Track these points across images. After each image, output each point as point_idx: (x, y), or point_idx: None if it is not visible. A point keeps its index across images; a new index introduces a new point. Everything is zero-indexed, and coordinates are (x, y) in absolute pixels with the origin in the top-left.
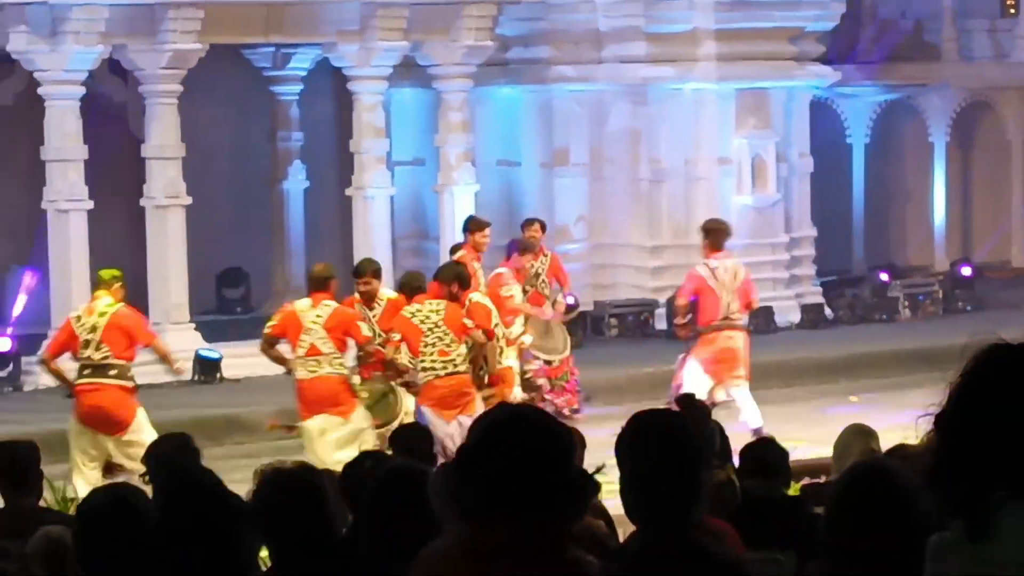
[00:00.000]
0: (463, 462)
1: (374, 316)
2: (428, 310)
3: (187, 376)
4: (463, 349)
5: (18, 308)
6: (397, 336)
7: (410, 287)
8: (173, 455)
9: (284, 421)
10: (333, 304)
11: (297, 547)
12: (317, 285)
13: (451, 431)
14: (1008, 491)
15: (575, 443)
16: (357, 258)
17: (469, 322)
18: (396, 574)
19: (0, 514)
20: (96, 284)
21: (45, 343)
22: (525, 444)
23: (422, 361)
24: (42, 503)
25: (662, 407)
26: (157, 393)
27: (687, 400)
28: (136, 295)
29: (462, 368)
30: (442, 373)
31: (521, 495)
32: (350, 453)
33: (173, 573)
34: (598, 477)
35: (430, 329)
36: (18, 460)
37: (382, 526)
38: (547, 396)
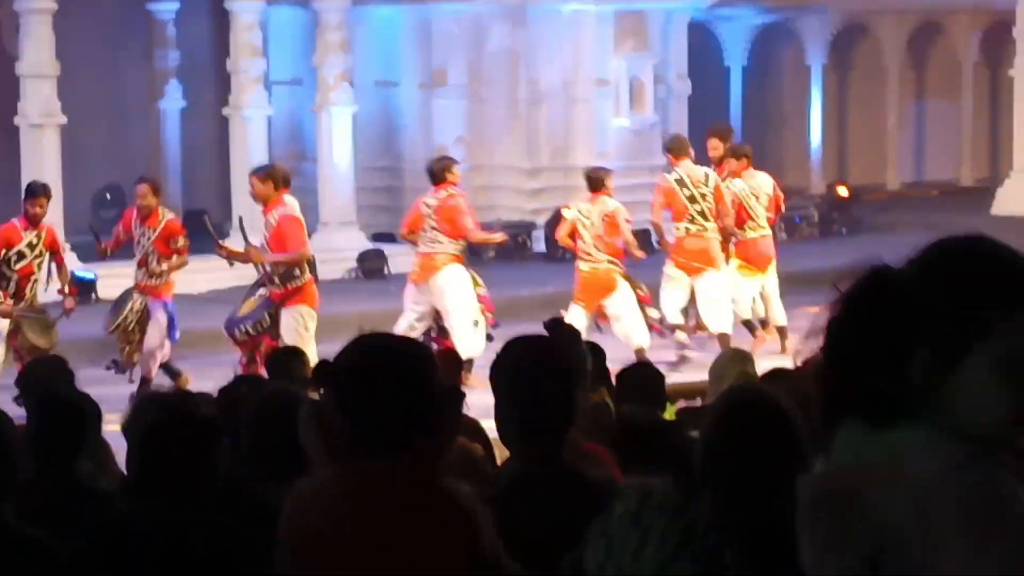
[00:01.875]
0: (327, 394)
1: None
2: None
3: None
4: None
5: None
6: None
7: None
8: (47, 378)
9: None
10: None
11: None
12: None
13: None
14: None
15: (433, 359)
16: (235, 178)
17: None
18: (275, 499)
19: None
20: None
21: None
22: (382, 364)
23: None
24: None
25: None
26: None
27: (556, 323)
28: (11, 214)
29: None
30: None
31: (384, 416)
32: None
33: (44, 497)
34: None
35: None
36: None
37: (261, 451)
38: None
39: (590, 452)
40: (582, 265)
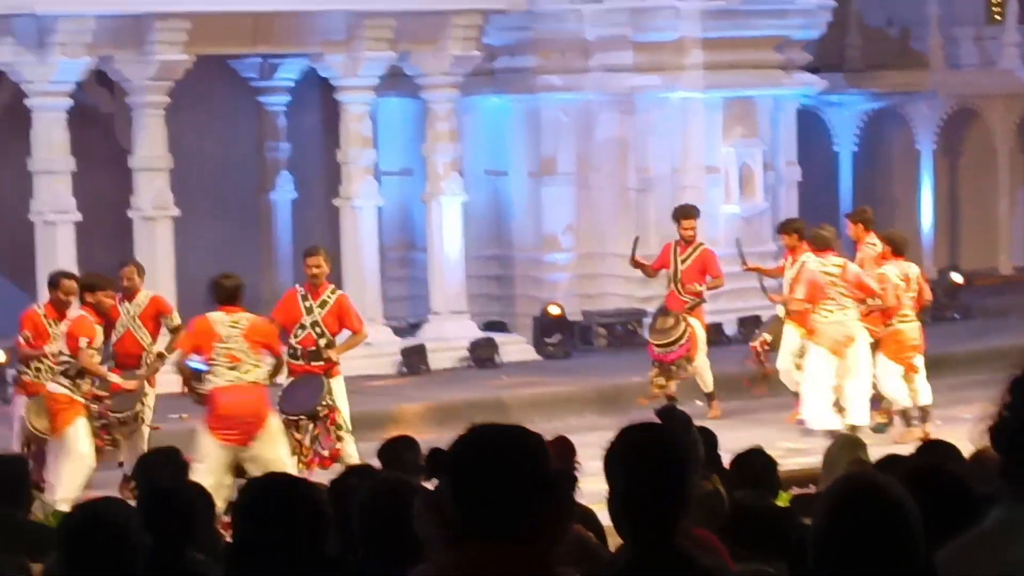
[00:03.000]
0: (441, 482)
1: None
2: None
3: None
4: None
5: None
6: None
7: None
8: (160, 468)
9: None
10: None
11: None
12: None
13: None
14: None
15: (544, 446)
16: (346, 269)
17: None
18: None
19: None
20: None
21: None
22: (496, 452)
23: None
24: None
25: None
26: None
27: (668, 411)
28: None
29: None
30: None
31: (498, 504)
32: None
33: None
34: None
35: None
36: (7, 474)
37: (372, 539)
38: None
39: (701, 540)
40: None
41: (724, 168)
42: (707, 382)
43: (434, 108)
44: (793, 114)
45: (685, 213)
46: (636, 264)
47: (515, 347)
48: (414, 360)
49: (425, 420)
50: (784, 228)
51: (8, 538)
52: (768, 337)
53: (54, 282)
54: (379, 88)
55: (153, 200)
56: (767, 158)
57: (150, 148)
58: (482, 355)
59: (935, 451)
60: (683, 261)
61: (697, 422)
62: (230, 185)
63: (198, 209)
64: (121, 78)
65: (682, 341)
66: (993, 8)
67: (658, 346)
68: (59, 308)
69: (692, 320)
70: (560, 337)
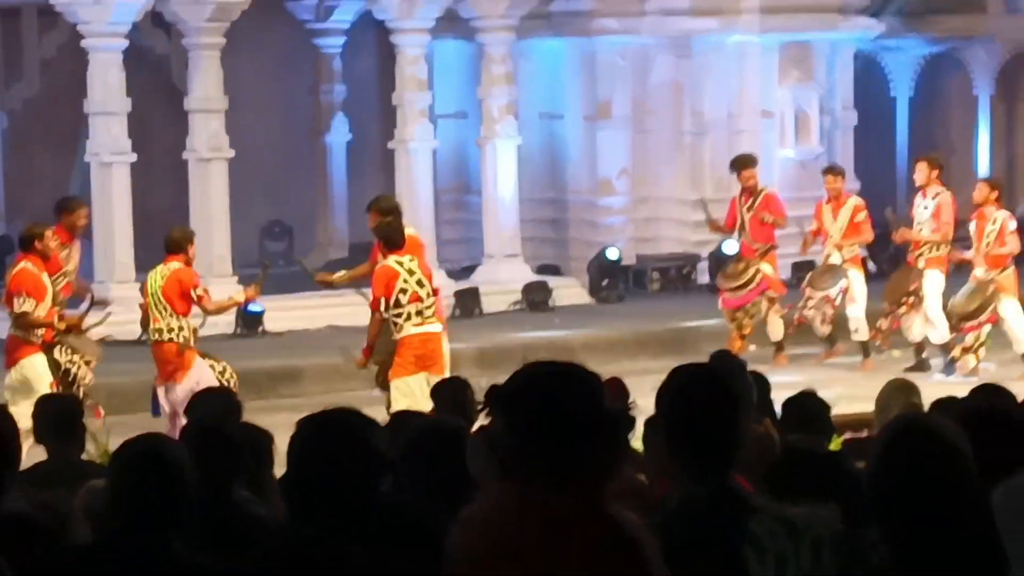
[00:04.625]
0: (497, 419)
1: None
2: (157, 275)
3: (230, 329)
4: (172, 319)
5: None
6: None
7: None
8: (209, 407)
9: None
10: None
11: (341, 498)
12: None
13: (160, 395)
14: None
15: (601, 385)
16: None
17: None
18: (438, 527)
19: (44, 466)
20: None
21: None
22: (552, 389)
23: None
24: (84, 456)
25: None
26: (201, 346)
27: (722, 354)
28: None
29: (166, 337)
30: (153, 339)
31: (553, 440)
32: None
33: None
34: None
35: (151, 294)
36: (62, 413)
37: (423, 481)
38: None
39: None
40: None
41: (779, 112)
42: (776, 332)
43: (490, 51)
44: (850, 58)
45: (744, 163)
46: (714, 227)
47: (569, 291)
48: (468, 303)
49: (478, 362)
50: (830, 170)
51: (63, 475)
52: (845, 283)
53: None
54: (434, 30)
55: (208, 142)
56: (823, 102)
57: (205, 90)
58: (536, 298)
59: (989, 393)
60: (748, 210)
61: (756, 368)
62: (285, 127)
63: (253, 151)
64: (177, 19)
65: (751, 285)
66: None
67: (727, 290)
68: None
69: (765, 266)
70: (613, 280)
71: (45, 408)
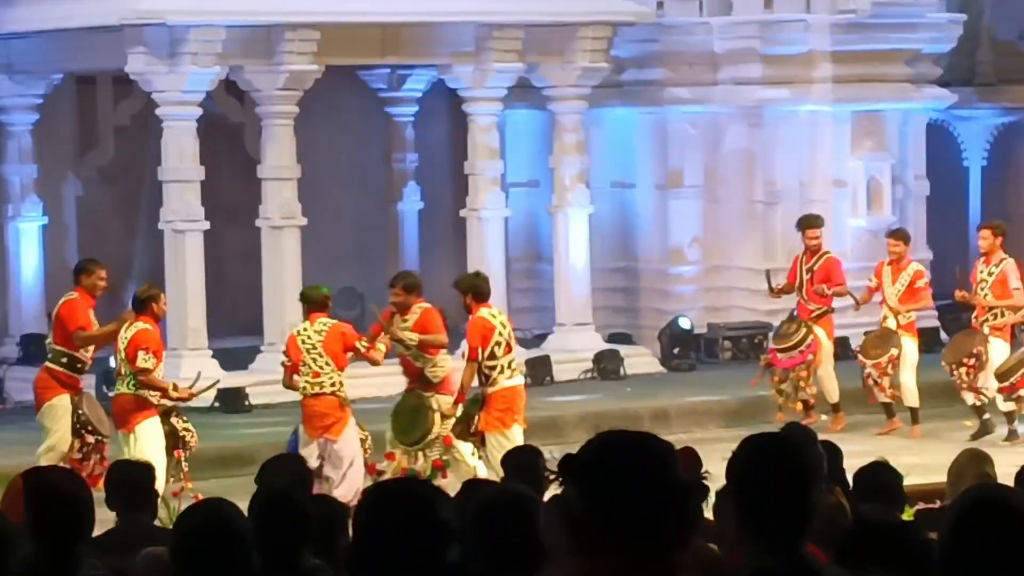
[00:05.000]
0: (571, 488)
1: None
2: (312, 331)
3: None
4: (334, 373)
5: None
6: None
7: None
8: (277, 475)
9: None
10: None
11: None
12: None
13: (312, 450)
14: None
15: (674, 454)
16: None
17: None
18: None
19: (114, 532)
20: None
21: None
22: (626, 458)
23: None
24: (157, 523)
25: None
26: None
27: (794, 426)
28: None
29: (328, 390)
30: (310, 393)
31: (627, 509)
32: None
33: None
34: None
35: (307, 350)
36: (133, 480)
37: (492, 550)
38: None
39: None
40: None
41: (852, 182)
42: (831, 392)
43: (561, 120)
44: (922, 128)
45: (809, 223)
46: (777, 294)
47: (640, 359)
48: (539, 371)
49: (549, 431)
50: (895, 234)
51: (137, 541)
52: (895, 352)
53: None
54: (506, 99)
55: (280, 209)
56: (895, 172)
57: (278, 158)
58: (607, 367)
59: None
60: (808, 270)
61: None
62: (358, 195)
63: (326, 219)
64: (251, 88)
65: (802, 347)
66: None
67: (779, 350)
68: None
69: (818, 329)
70: (685, 349)
71: (118, 474)
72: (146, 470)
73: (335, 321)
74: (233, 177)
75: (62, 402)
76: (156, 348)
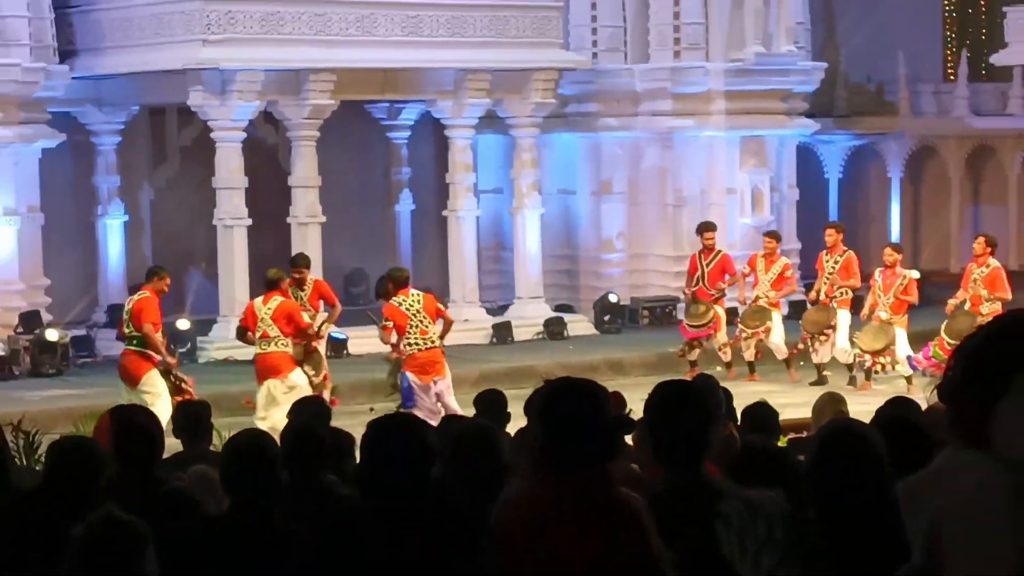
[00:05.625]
0: (531, 422)
1: (304, 296)
2: (411, 300)
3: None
4: (437, 328)
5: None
6: (389, 323)
7: (396, 279)
8: (303, 412)
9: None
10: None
11: (396, 485)
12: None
13: (434, 389)
14: None
15: (608, 396)
16: (452, 264)
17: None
18: (473, 506)
19: (180, 456)
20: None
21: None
22: (572, 399)
23: (407, 338)
24: (212, 448)
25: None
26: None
27: (702, 375)
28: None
29: (436, 343)
30: (422, 347)
31: (573, 439)
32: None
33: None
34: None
35: (413, 315)
36: (193, 415)
37: (463, 470)
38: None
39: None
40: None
41: (740, 190)
42: (781, 349)
43: (520, 142)
44: (794, 149)
45: (706, 227)
46: (692, 299)
47: (579, 324)
48: (502, 333)
49: (510, 378)
50: (769, 234)
51: (194, 462)
52: (770, 324)
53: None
54: (478, 127)
55: (306, 210)
56: (773, 182)
57: (304, 170)
58: (554, 330)
59: (900, 404)
60: (707, 264)
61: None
62: (364, 200)
63: (340, 218)
64: (283, 117)
65: (709, 324)
66: (948, 69)
67: (691, 326)
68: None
69: (718, 308)
70: (613, 317)
71: (183, 412)
72: (204, 408)
73: (423, 292)
74: (269, 186)
75: (154, 374)
76: (300, 316)
